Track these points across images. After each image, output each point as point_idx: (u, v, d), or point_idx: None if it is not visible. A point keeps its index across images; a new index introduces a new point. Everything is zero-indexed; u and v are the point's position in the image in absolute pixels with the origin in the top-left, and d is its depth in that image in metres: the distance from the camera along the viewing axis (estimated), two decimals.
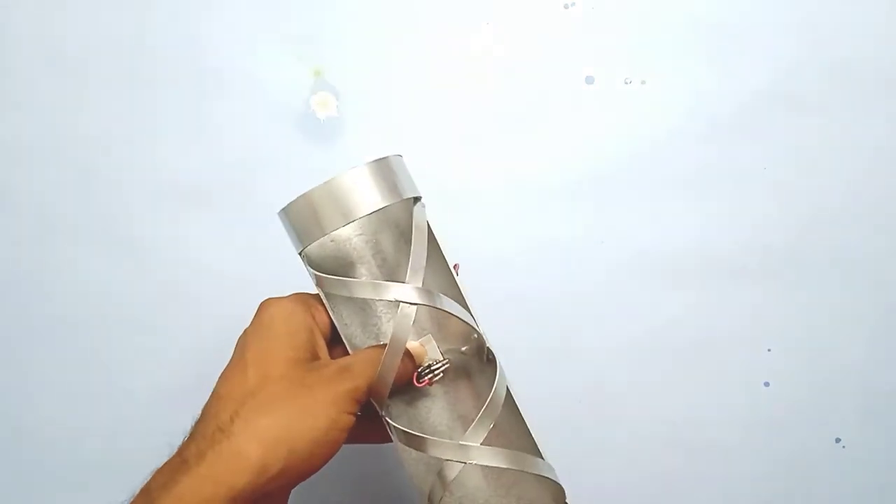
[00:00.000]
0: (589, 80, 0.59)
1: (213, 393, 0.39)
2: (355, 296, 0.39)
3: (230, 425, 0.36)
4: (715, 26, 0.58)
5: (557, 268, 0.58)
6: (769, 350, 0.58)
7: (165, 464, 0.36)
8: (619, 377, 0.58)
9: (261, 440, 0.35)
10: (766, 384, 0.58)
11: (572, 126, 0.59)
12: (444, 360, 0.42)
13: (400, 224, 0.42)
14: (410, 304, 0.38)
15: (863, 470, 0.57)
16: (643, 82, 0.58)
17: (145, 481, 0.36)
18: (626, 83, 0.59)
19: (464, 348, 0.43)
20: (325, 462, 0.37)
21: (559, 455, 0.43)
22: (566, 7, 0.59)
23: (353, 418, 0.38)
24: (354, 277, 0.39)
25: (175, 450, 0.37)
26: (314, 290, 0.42)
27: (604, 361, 0.58)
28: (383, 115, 0.59)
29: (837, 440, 0.58)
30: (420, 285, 0.38)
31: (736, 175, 0.58)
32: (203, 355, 0.58)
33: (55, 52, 0.59)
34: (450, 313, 0.39)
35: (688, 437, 0.58)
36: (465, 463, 0.38)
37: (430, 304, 0.38)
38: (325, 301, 0.41)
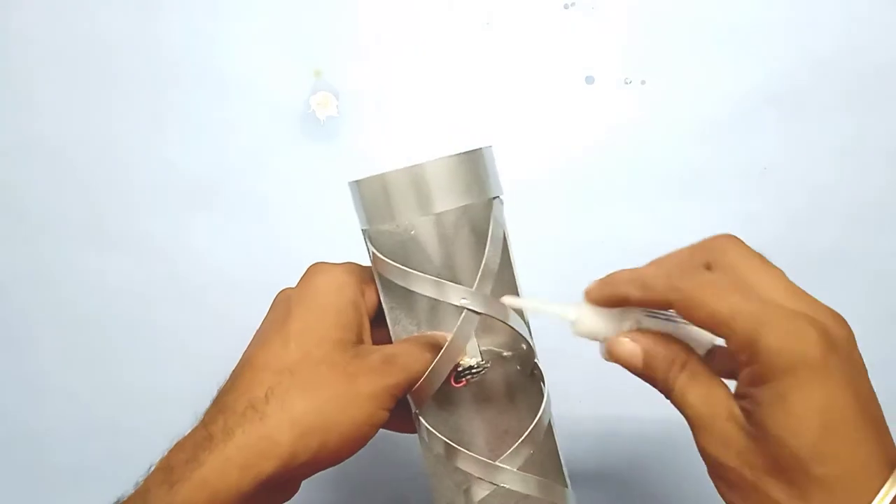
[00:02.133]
0: (589, 80, 0.59)
1: (246, 359, 0.36)
2: (413, 289, 0.36)
3: (264, 404, 0.33)
4: (715, 26, 0.58)
5: (557, 268, 0.58)
6: None
7: (188, 436, 0.34)
8: (620, 377, 0.58)
9: (294, 427, 0.33)
10: None
11: (572, 126, 0.59)
12: (485, 361, 0.39)
13: (475, 221, 0.38)
14: (476, 312, 0.36)
15: None
16: (643, 82, 0.58)
17: (164, 453, 0.34)
18: (626, 83, 0.59)
19: (506, 353, 0.41)
20: (350, 456, 0.36)
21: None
22: (566, 7, 0.59)
23: (387, 415, 0.36)
24: (414, 265, 0.36)
25: (198, 419, 0.35)
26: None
27: (604, 361, 0.58)
28: (383, 115, 0.59)
29: None
30: (488, 293, 0.36)
31: (736, 175, 0.58)
32: (204, 354, 0.58)
33: (56, 52, 0.59)
34: (509, 326, 0.37)
35: (688, 436, 0.57)
36: (496, 486, 0.37)
37: (497, 317, 0.36)
38: (377, 280, 0.39)
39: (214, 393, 0.37)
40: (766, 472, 0.30)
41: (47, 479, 0.58)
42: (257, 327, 0.39)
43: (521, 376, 0.41)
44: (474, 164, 0.37)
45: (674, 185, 0.58)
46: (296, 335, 0.36)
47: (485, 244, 0.37)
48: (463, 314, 0.36)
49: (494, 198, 0.39)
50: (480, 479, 0.37)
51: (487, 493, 0.37)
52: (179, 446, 0.34)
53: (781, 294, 0.33)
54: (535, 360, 0.40)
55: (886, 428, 0.31)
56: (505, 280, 0.39)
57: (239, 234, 0.59)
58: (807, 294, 0.34)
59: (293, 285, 0.40)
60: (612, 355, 0.36)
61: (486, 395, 0.40)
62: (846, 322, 0.34)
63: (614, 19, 0.59)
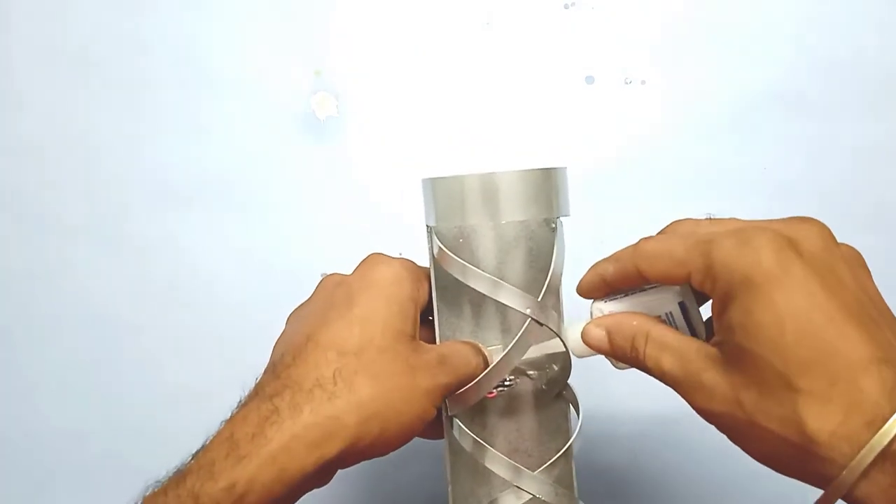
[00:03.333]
0: (589, 80, 0.59)
1: (307, 336, 0.36)
2: (471, 285, 0.37)
3: (332, 384, 0.33)
4: (715, 26, 0.58)
5: None
6: None
7: (252, 407, 0.33)
8: (620, 377, 0.58)
9: (361, 411, 0.33)
10: None
11: (572, 126, 0.59)
12: (515, 377, 0.40)
13: (533, 237, 0.39)
14: (539, 323, 0.36)
15: None
16: (643, 82, 0.58)
17: (225, 421, 0.33)
18: (626, 83, 0.59)
19: (531, 372, 0.41)
20: (398, 448, 0.36)
21: None
22: (566, 7, 0.59)
23: (435, 412, 0.36)
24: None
25: (247, 390, 0.35)
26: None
27: (604, 361, 0.58)
28: (383, 115, 0.59)
29: None
30: (550, 305, 0.37)
31: (736, 175, 0.58)
32: (202, 355, 0.58)
33: (55, 52, 0.59)
34: (563, 341, 0.38)
35: (688, 436, 0.58)
36: (532, 495, 0.37)
37: (556, 332, 0.37)
38: (432, 279, 0.40)
39: (227, 404, 0.35)
40: (756, 406, 0.30)
41: (47, 479, 0.58)
42: (300, 308, 0.39)
43: (544, 395, 0.41)
44: (546, 182, 0.38)
45: (674, 185, 0.58)
46: (360, 320, 0.36)
47: (535, 262, 0.38)
48: (527, 323, 0.36)
49: (559, 217, 0.39)
50: (518, 488, 0.37)
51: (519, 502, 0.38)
52: (243, 418, 0.33)
53: (738, 224, 0.34)
54: (567, 382, 0.41)
55: (883, 322, 0.30)
56: (558, 300, 0.40)
57: (239, 234, 0.59)
58: (763, 221, 0.34)
59: (293, 302, 0.40)
60: (586, 344, 0.38)
61: (513, 409, 0.40)
62: (819, 223, 0.33)
63: (614, 19, 0.59)
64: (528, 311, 0.36)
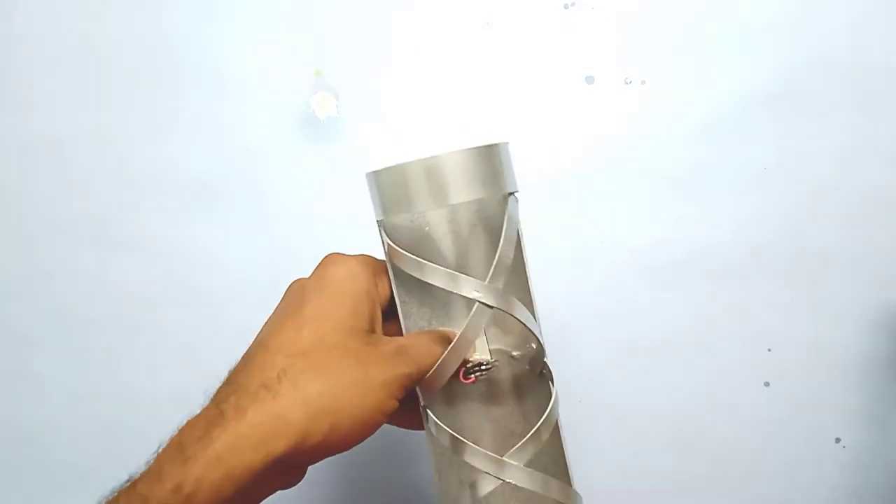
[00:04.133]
0: (589, 80, 0.59)
1: (259, 341, 0.37)
2: (427, 280, 0.37)
3: (277, 384, 0.34)
4: (715, 26, 0.58)
5: (557, 268, 0.58)
6: (769, 350, 0.58)
7: (200, 415, 0.34)
8: (619, 377, 0.58)
9: (307, 407, 0.33)
10: (766, 384, 0.58)
11: (572, 126, 0.59)
12: (494, 359, 0.39)
13: (489, 220, 0.39)
14: (488, 306, 0.36)
15: (863, 470, 0.57)
16: (643, 82, 0.58)
17: (175, 430, 0.34)
18: (626, 83, 0.59)
19: (515, 353, 0.41)
20: (359, 443, 0.36)
21: None
22: (566, 7, 0.59)
23: (396, 404, 0.36)
24: (429, 260, 0.37)
25: (208, 398, 0.35)
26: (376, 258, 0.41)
27: (604, 361, 0.58)
28: (383, 115, 0.59)
29: (837, 440, 0.58)
30: (501, 287, 0.36)
31: (736, 175, 0.58)
32: (204, 354, 0.58)
33: (56, 52, 0.59)
34: (520, 321, 0.37)
35: (688, 437, 0.58)
36: (502, 481, 0.37)
37: (507, 311, 0.37)
38: (390, 273, 0.40)
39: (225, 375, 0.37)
40: None
41: (47, 479, 0.58)
42: (267, 317, 0.40)
43: (529, 376, 0.41)
44: (490, 159, 0.37)
45: (674, 185, 0.58)
46: (310, 320, 0.36)
47: (498, 243, 0.37)
48: (475, 307, 0.36)
49: (510, 194, 0.39)
50: (487, 473, 0.37)
51: (493, 487, 0.37)
52: (191, 424, 0.34)
53: None
54: (545, 360, 0.40)
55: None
56: (518, 277, 0.39)
57: (239, 234, 0.59)
58: None
59: (304, 277, 0.40)
60: None
61: (494, 394, 0.40)
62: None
63: (614, 19, 0.59)
64: (475, 295, 0.36)
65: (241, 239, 0.59)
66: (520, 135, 0.59)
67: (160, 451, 0.33)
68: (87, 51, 0.59)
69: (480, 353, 0.39)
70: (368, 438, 0.36)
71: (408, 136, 0.59)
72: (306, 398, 0.34)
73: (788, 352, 0.58)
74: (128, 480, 0.33)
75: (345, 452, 0.36)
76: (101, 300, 0.59)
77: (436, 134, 0.59)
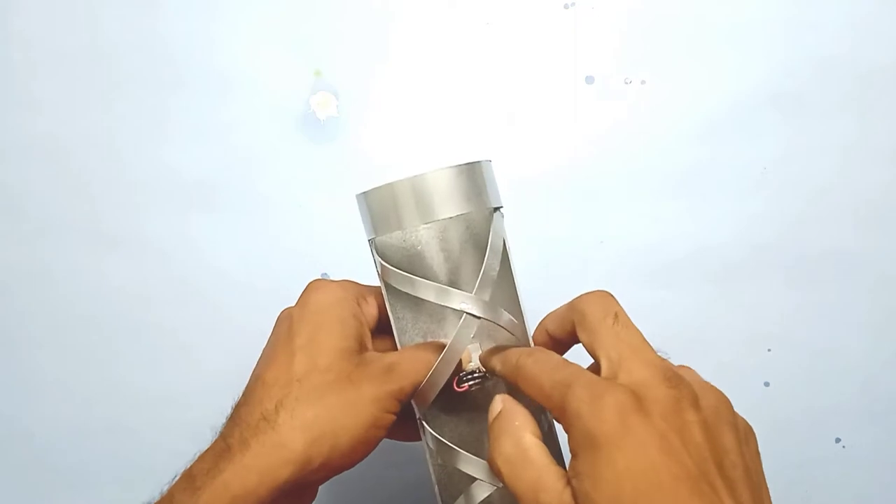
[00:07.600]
0: (589, 80, 0.59)
1: (256, 376, 0.39)
2: (418, 295, 0.39)
3: (275, 415, 0.36)
4: (715, 26, 0.58)
5: (557, 268, 0.58)
6: (769, 350, 0.58)
7: (209, 449, 0.36)
8: None
9: (306, 433, 0.35)
10: (766, 384, 0.58)
11: (572, 126, 0.59)
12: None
13: (476, 231, 0.40)
14: (475, 316, 0.38)
15: (863, 470, 0.58)
16: (643, 82, 0.58)
17: (188, 464, 0.36)
18: (626, 83, 0.59)
19: None
20: (362, 459, 0.37)
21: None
22: (566, 7, 0.59)
23: (393, 417, 0.38)
24: (419, 275, 0.39)
25: (216, 433, 0.37)
26: (356, 280, 0.42)
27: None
28: (383, 115, 0.59)
29: (837, 440, 0.58)
30: (487, 298, 0.38)
31: (736, 175, 0.58)
32: (204, 354, 0.58)
33: (56, 52, 0.59)
34: (507, 330, 0.39)
35: None
36: (497, 487, 0.38)
37: (494, 321, 0.38)
38: (383, 290, 0.41)
39: (226, 405, 0.39)
40: None
41: (47, 479, 0.58)
42: (263, 346, 0.41)
43: None
44: (474, 176, 0.39)
45: (674, 186, 0.58)
46: (300, 348, 0.38)
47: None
48: (462, 318, 0.38)
49: (495, 210, 0.41)
50: (482, 481, 0.38)
51: (487, 494, 0.38)
52: (201, 458, 0.36)
53: (624, 354, 0.34)
54: None
55: (726, 491, 0.30)
56: (505, 288, 0.41)
57: (239, 234, 0.59)
58: (648, 353, 0.34)
59: (292, 301, 0.41)
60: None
61: (489, 402, 0.40)
62: (683, 380, 0.33)
63: (614, 19, 0.59)
64: (462, 306, 0.38)
65: (241, 239, 0.59)
66: (520, 135, 0.59)
67: (173, 482, 0.35)
68: (87, 51, 0.59)
69: (474, 362, 0.40)
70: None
71: (408, 136, 0.59)
72: (304, 424, 0.35)
73: (788, 352, 0.58)
74: None
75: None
76: (100, 300, 0.59)
77: (435, 134, 0.59)
